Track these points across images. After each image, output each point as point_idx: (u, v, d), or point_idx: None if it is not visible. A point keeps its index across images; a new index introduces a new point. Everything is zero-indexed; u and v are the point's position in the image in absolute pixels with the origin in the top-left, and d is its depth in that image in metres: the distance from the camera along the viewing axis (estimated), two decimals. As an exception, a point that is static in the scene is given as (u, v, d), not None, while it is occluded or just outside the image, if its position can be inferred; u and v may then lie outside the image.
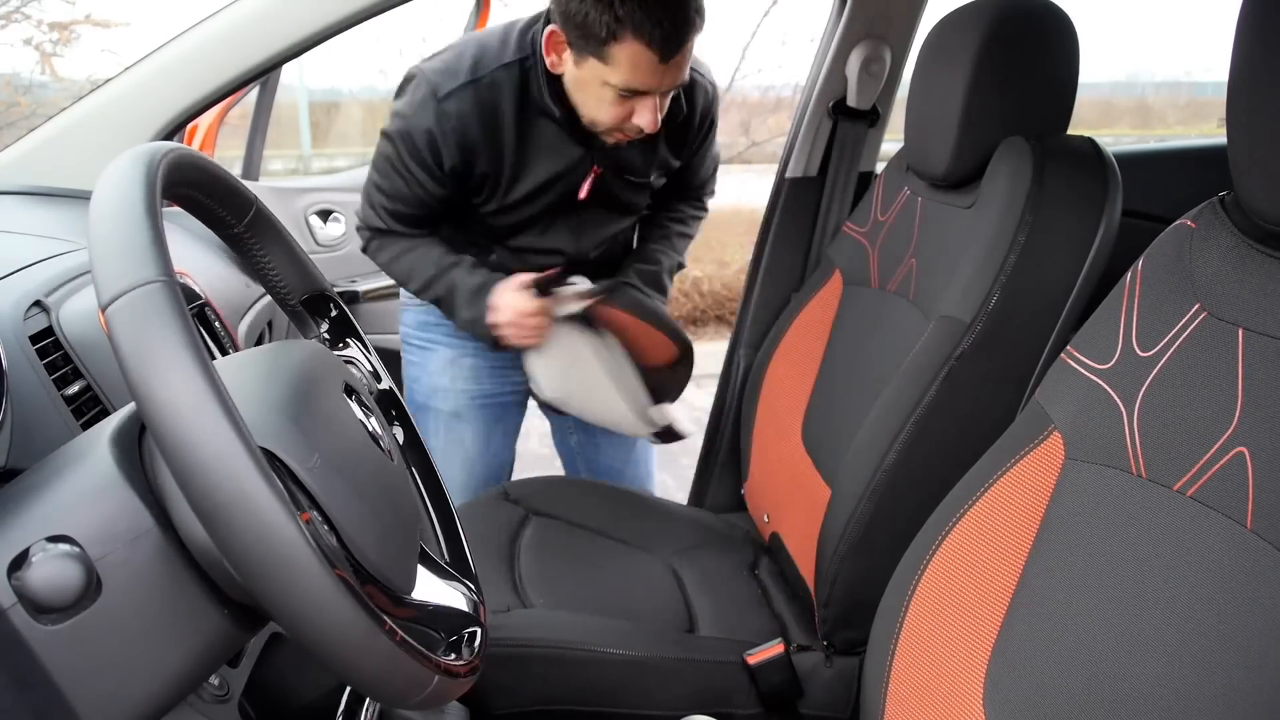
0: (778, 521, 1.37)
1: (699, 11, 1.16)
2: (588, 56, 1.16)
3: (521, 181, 1.32)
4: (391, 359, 1.39)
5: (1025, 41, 1.02)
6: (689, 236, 1.58)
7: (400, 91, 1.30)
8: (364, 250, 1.43)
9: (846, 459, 1.09)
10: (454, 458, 1.55)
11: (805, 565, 1.17)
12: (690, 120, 1.39)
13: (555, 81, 1.25)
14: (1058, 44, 1.03)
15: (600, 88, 1.18)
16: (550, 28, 1.19)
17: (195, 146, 1.82)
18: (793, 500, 1.31)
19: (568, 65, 1.21)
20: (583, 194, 1.36)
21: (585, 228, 1.43)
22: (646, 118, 1.21)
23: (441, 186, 1.31)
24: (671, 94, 1.23)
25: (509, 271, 1.37)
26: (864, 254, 1.34)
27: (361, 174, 2.27)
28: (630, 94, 1.18)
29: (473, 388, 1.54)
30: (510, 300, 1.32)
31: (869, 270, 1.32)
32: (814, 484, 1.23)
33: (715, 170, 1.58)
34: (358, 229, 1.43)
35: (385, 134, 1.30)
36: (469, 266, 1.36)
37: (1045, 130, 1.06)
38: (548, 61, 1.22)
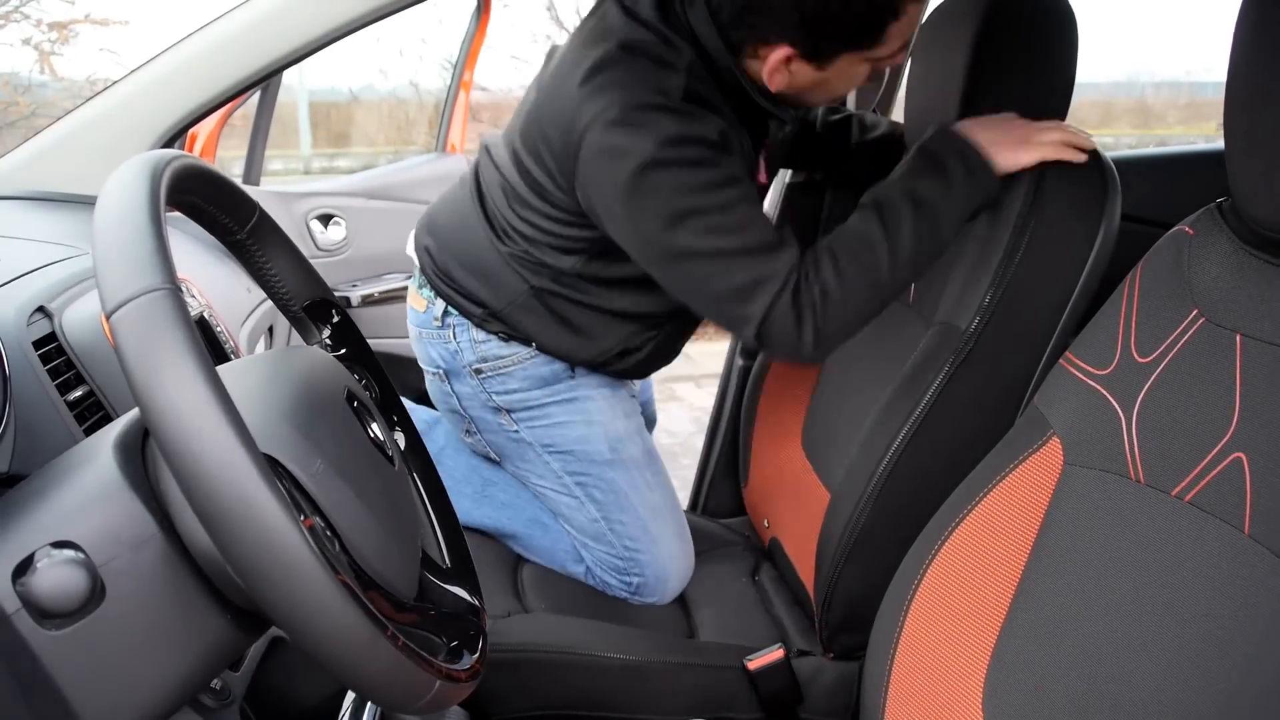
0: (777, 526, 1.37)
1: None
2: (841, 54, 0.97)
3: (753, 177, 1.10)
4: (393, 364, 1.38)
5: (1024, 24, 1.02)
6: None
7: (618, 144, 0.95)
8: (800, 325, 0.97)
9: (847, 464, 1.09)
10: (666, 506, 1.28)
11: (805, 570, 1.17)
12: None
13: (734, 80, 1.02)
14: (1057, 26, 1.03)
15: (857, 68, 1.00)
16: (780, 52, 0.97)
17: (196, 152, 1.82)
18: (792, 505, 1.31)
19: (802, 74, 1.00)
20: (762, 178, 1.17)
21: None
22: (903, 54, 1.01)
23: (752, 183, 1.03)
24: None
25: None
26: None
27: (363, 178, 2.27)
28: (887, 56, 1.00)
29: (638, 418, 1.30)
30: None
31: None
32: (814, 488, 1.23)
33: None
34: (790, 338, 0.98)
35: (667, 174, 0.94)
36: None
37: (1045, 115, 1.06)
38: (770, 85, 1.01)
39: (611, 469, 1.23)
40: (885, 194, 0.99)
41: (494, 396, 1.23)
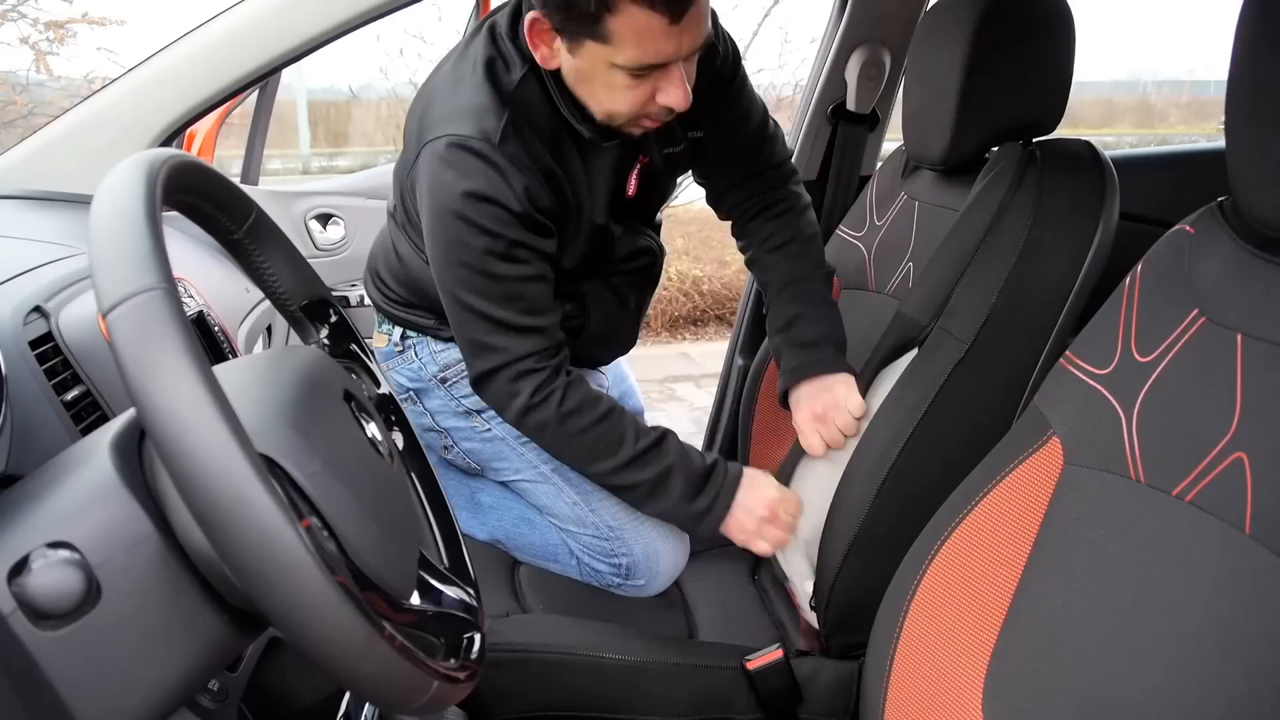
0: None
1: None
2: (583, 40, 0.96)
3: (593, 200, 1.14)
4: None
5: (1021, 23, 1.02)
6: (811, 235, 1.29)
7: (437, 174, 1.03)
8: (525, 417, 1.10)
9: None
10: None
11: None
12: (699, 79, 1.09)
13: (557, 77, 1.06)
14: (1053, 26, 1.03)
15: (608, 72, 0.98)
16: (530, 15, 0.98)
17: (194, 151, 1.82)
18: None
19: (562, 56, 1.01)
20: (631, 190, 1.19)
21: (625, 233, 1.25)
22: (674, 94, 0.99)
23: (552, 241, 1.09)
24: (697, 57, 1.01)
25: (593, 309, 1.23)
26: (860, 258, 1.34)
27: (362, 178, 2.27)
28: (645, 71, 0.97)
29: None
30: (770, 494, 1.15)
31: (866, 275, 1.32)
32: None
33: (777, 136, 1.31)
34: (500, 400, 1.11)
35: (461, 225, 1.02)
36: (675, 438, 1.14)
37: (1043, 110, 1.05)
38: (537, 57, 1.02)
39: None
40: (666, 450, 1.13)
41: (462, 401, 1.27)
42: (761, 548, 1.15)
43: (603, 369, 1.43)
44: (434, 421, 1.31)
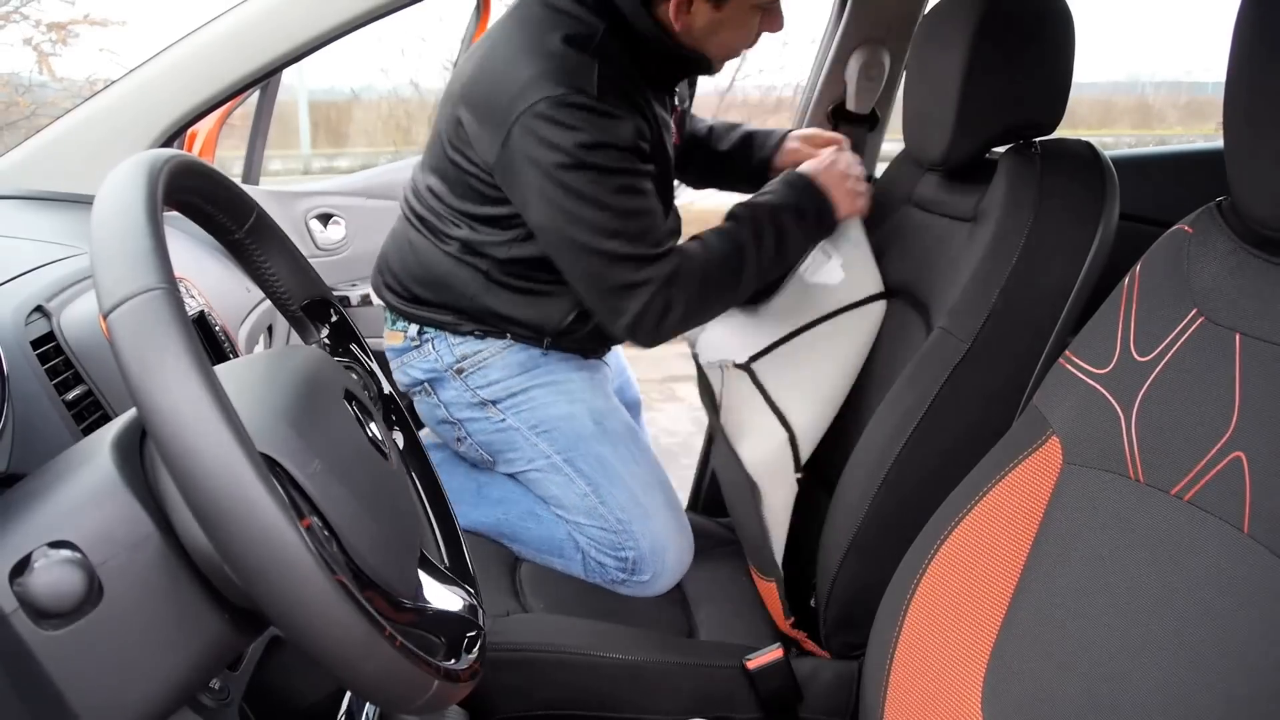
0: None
1: None
2: None
3: (665, 148, 1.23)
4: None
5: (1021, 23, 1.02)
6: None
7: (547, 136, 1.08)
8: (662, 322, 1.14)
9: (846, 464, 1.09)
10: (655, 478, 1.31)
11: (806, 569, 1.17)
12: None
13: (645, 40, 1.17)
14: (1053, 26, 1.03)
15: (748, 13, 1.16)
16: None
17: (196, 151, 1.82)
18: (793, 503, 1.31)
19: (700, 16, 1.14)
20: (676, 138, 1.31)
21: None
22: (778, 21, 1.19)
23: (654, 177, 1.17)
24: None
25: None
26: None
27: (363, 177, 2.27)
28: (774, 3, 1.17)
29: (617, 400, 1.38)
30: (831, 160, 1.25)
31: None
32: (814, 488, 1.23)
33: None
34: (654, 321, 1.14)
35: (587, 174, 1.08)
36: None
37: (1043, 109, 1.05)
38: (676, 26, 1.15)
39: (597, 442, 1.27)
40: (757, 213, 1.19)
41: (478, 392, 1.29)
42: (862, 203, 1.25)
43: (606, 359, 1.44)
44: (448, 413, 1.32)
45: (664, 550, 1.27)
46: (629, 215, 1.10)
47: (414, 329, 1.31)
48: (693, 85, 1.41)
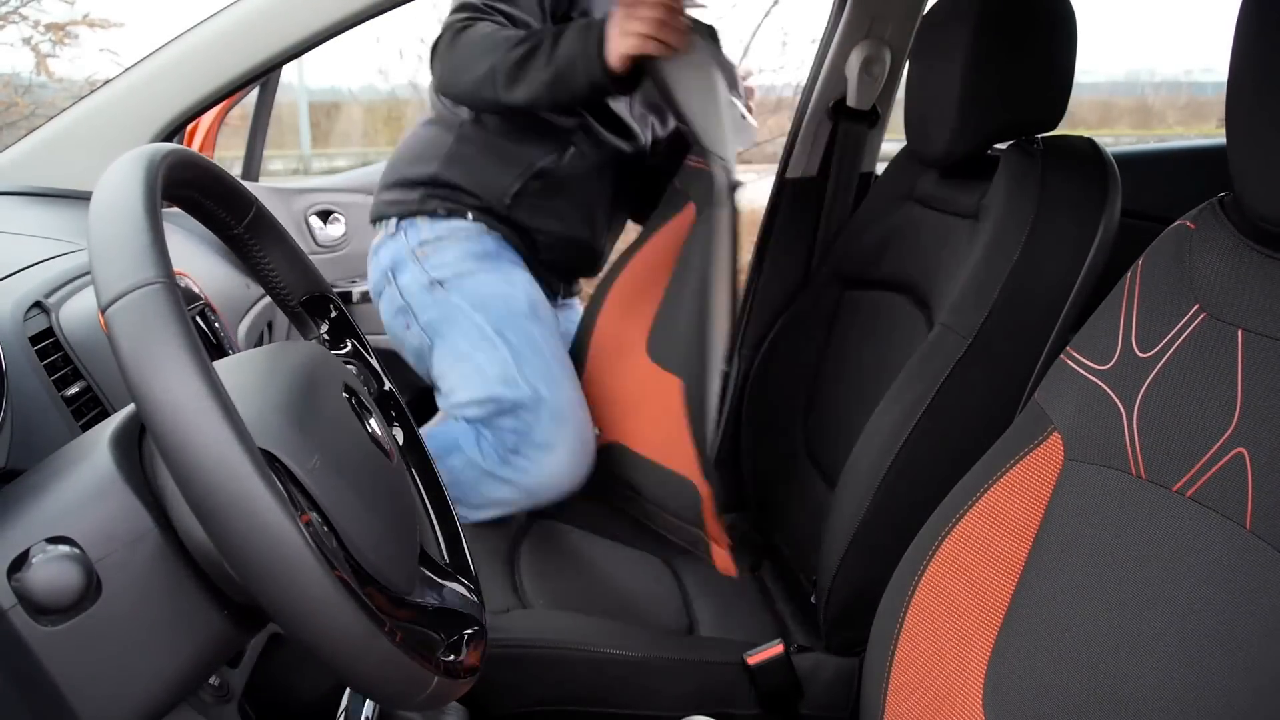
0: (777, 522, 1.37)
1: None
2: None
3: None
4: (391, 360, 1.38)
5: (1023, 22, 1.02)
6: None
7: None
8: (437, 47, 1.29)
9: (848, 459, 1.09)
10: (570, 366, 1.41)
11: (805, 565, 1.17)
12: None
13: None
14: (1055, 25, 1.03)
15: None
16: None
17: (195, 147, 1.82)
18: (794, 500, 1.31)
19: None
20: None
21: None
22: None
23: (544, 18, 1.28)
24: None
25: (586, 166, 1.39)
26: (864, 256, 1.34)
27: (362, 174, 2.27)
28: None
29: (551, 309, 1.48)
30: None
31: (864, 268, 1.32)
32: (815, 484, 1.23)
33: None
34: (446, 24, 1.30)
35: None
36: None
37: (1044, 106, 1.05)
38: None
39: (527, 320, 1.38)
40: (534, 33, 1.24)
41: (430, 272, 1.40)
42: (636, 29, 1.16)
43: (574, 301, 1.57)
44: (402, 298, 1.43)
45: (563, 421, 1.33)
46: None
47: (393, 222, 1.44)
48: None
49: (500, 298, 1.39)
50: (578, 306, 1.65)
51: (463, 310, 1.39)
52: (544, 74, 1.21)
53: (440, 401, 1.45)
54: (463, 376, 1.39)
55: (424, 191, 1.42)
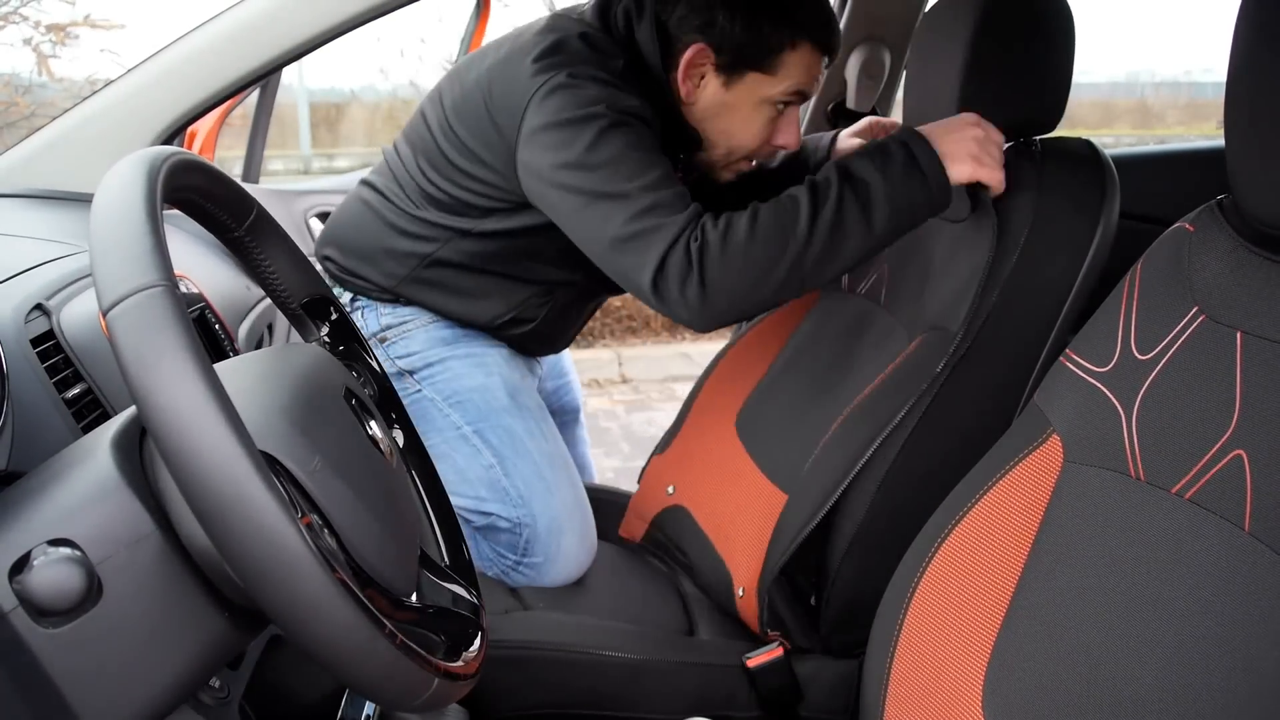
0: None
1: None
2: (745, 73, 1.10)
3: None
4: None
5: (1021, 23, 1.02)
6: None
7: (556, 102, 1.05)
8: (690, 276, 0.97)
9: (813, 461, 1.09)
10: (562, 458, 1.31)
11: (752, 563, 1.16)
12: None
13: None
14: (1053, 26, 1.03)
15: (755, 107, 1.11)
16: (694, 47, 1.09)
17: (195, 149, 1.82)
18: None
19: (709, 90, 1.12)
20: None
21: None
22: (791, 133, 1.14)
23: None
24: None
25: (566, 318, 1.31)
26: None
27: (360, 172, 2.26)
28: (786, 104, 1.12)
29: (534, 381, 1.39)
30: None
31: (841, 277, 1.31)
32: (768, 489, 1.22)
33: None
34: (682, 275, 0.98)
35: (586, 125, 1.02)
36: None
37: (1043, 108, 1.05)
38: (684, 90, 1.12)
39: (509, 415, 1.27)
40: (822, 172, 1.01)
41: (397, 361, 1.30)
42: (992, 167, 0.99)
43: (539, 359, 1.46)
44: None
45: (560, 533, 1.26)
46: (641, 164, 1.02)
47: (347, 296, 1.33)
48: (693, 169, 1.25)
49: (476, 391, 1.27)
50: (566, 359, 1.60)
51: (436, 406, 1.28)
52: (880, 225, 0.98)
53: None
54: (446, 475, 1.30)
55: (384, 292, 1.29)
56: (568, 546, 1.27)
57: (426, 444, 1.28)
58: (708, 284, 0.97)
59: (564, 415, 1.58)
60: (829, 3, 1.08)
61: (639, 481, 1.45)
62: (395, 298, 1.28)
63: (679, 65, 1.11)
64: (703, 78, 1.12)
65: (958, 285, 1.02)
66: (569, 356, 1.60)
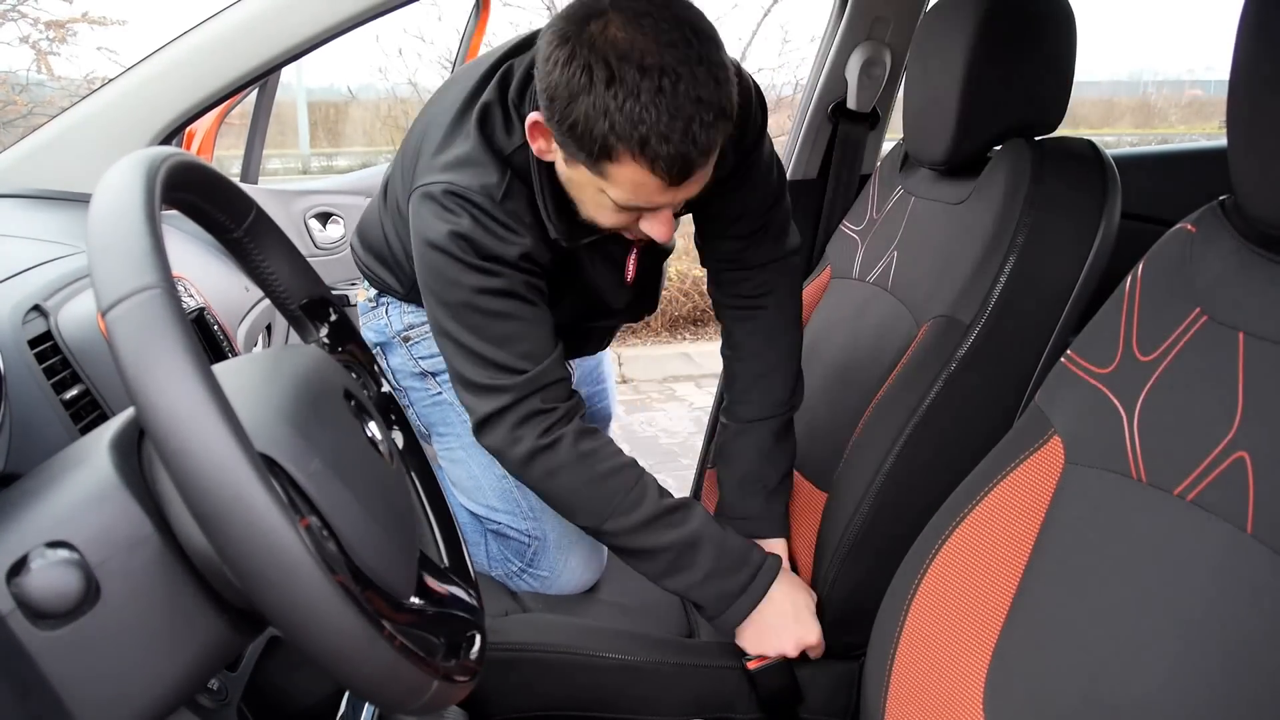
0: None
1: (723, 113, 0.84)
2: (579, 164, 0.89)
3: (596, 274, 1.13)
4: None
5: (1023, 23, 1.02)
6: (787, 357, 1.19)
7: (431, 217, 0.99)
8: (531, 462, 1.01)
9: (844, 462, 1.09)
10: None
11: (804, 569, 1.16)
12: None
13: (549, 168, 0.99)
14: (1055, 26, 1.03)
15: (598, 194, 0.93)
16: (532, 117, 0.92)
17: (194, 149, 1.82)
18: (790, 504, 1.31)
19: (558, 158, 0.94)
20: (630, 275, 1.16)
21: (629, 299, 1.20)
22: (658, 230, 0.95)
23: (543, 298, 1.03)
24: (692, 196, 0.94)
25: None
26: (853, 249, 1.34)
27: (362, 174, 2.27)
28: (634, 210, 0.94)
29: None
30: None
31: (853, 263, 1.32)
32: (806, 488, 1.22)
33: (786, 217, 1.20)
34: (502, 445, 1.02)
35: (454, 264, 0.97)
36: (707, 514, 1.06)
37: (1045, 108, 1.05)
38: (534, 148, 0.95)
39: None
40: (689, 514, 1.04)
41: (420, 362, 1.29)
42: (788, 647, 1.06)
43: (570, 362, 1.38)
44: (394, 380, 1.32)
45: (569, 550, 1.26)
46: (489, 316, 0.99)
47: (373, 291, 1.32)
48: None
49: None
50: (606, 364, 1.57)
51: (455, 410, 1.25)
52: (665, 580, 1.05)
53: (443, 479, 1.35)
54: (460, 480, 1.30)
55: (403, 292, 1.26)
56: (574, 564, 1.27)
57: (444, 447, 1.29)
58: (510, 460, 1.02)
59: (595, 422, 1.53)
60: (679, 117, 0.82)
61: None
62: (418, 298, 1.21)
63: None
64: (550, 144, 0.94)
65: (961, 276, 1.02)
66: (608, 364, 1.57)
